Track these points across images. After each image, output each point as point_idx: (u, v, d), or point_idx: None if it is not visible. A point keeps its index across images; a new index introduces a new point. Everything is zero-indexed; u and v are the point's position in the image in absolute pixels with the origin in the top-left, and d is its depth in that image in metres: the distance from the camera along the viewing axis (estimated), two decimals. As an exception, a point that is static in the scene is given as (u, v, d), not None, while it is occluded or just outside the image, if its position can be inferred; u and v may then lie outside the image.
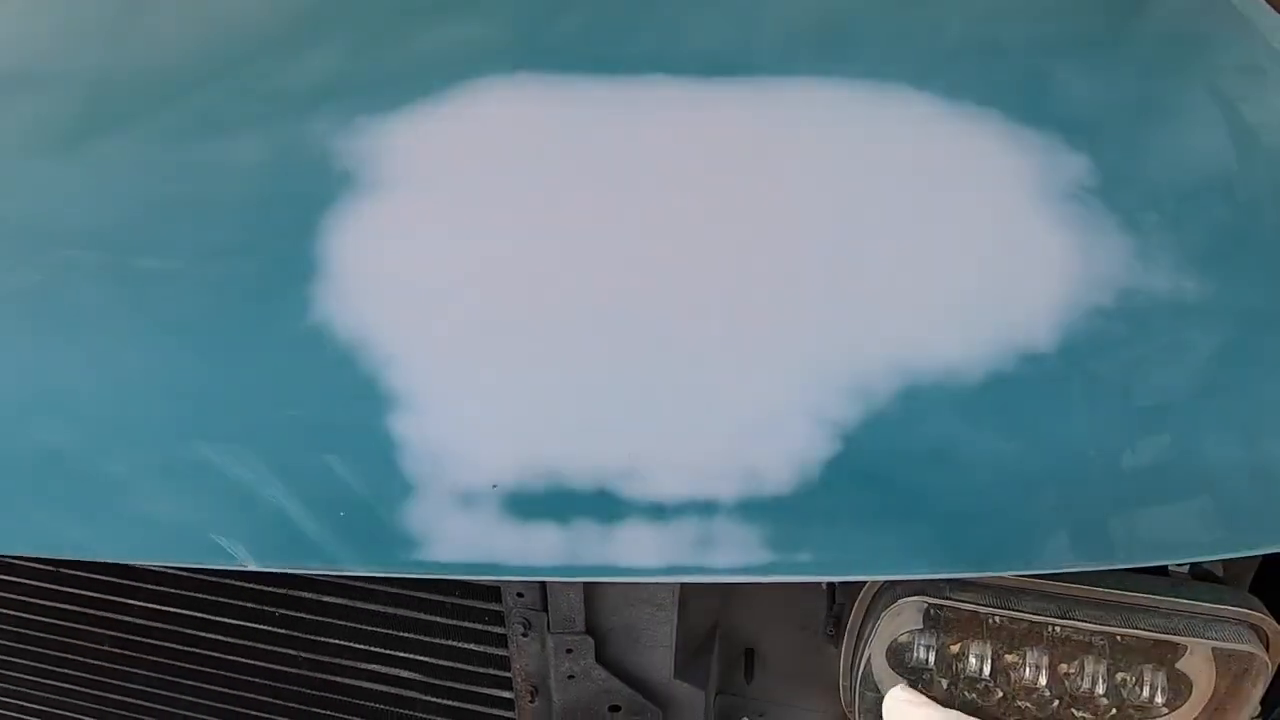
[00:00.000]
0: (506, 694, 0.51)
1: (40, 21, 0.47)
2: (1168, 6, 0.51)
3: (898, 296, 0.35)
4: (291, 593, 0.50)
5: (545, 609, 0.46)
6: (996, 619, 0.41)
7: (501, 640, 0.49)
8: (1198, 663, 0.38)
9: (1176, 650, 0.39)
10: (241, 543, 0.31)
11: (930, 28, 0.47)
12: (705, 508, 0.32)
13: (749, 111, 0.42)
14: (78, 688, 0.59)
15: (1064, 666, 0.41)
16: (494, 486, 0.31)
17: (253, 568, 0.32)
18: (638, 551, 0.32)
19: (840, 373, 0.33)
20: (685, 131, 0.40)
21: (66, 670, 0.58)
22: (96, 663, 0.57)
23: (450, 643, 0.50)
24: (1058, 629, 0.40)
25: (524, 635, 0.48)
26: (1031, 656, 0.42)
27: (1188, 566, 0.38)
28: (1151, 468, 0.32)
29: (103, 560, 0.32)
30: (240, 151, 0.39)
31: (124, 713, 0.59)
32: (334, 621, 0.51)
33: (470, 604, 0.48)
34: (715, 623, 0.52)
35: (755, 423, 0.32)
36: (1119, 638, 0.39)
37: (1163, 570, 0.38)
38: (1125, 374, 0.33)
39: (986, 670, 0.43)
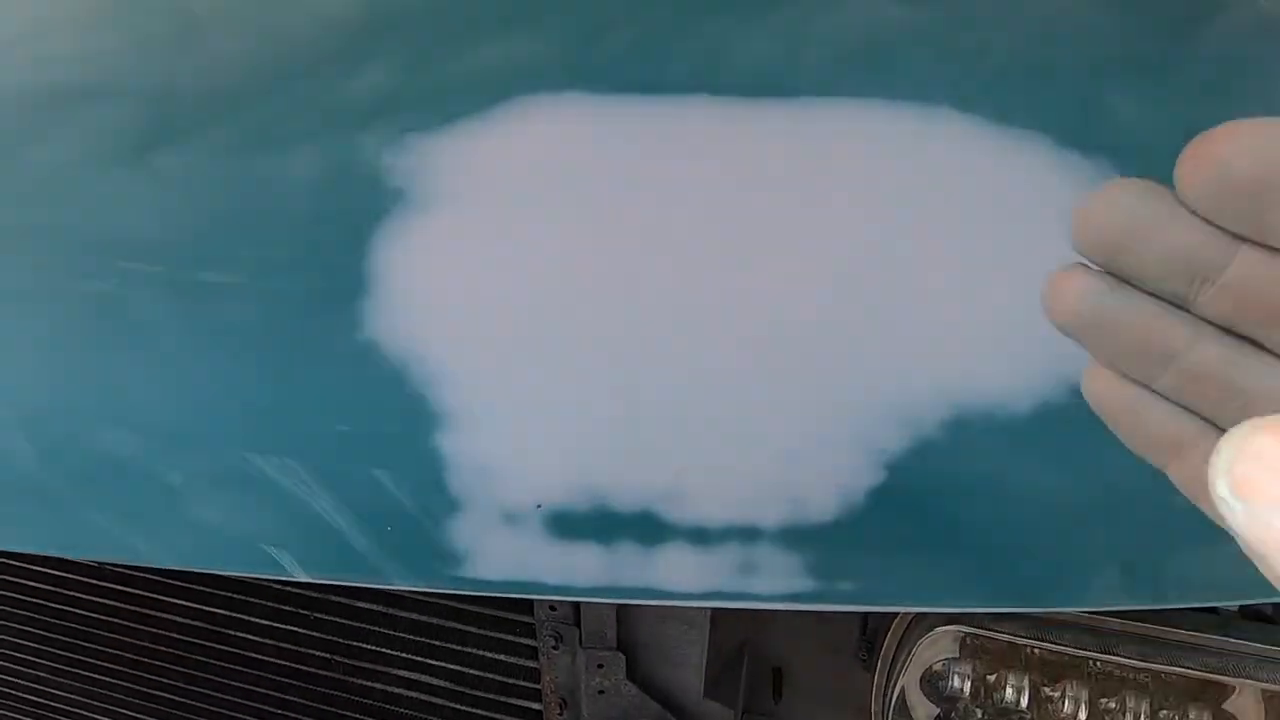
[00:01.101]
0: (535, 705, 0.51)
1: (104, 37, 0.48)
2: (1223, 28, 0.50)
3: (945, 324, 0.34)
4: (325, 597, 0.51)
5: (577, 623, 0.47)
6: (1035, 650, 0.41)
7: (532, 652, 0.49)
8: (1246, 703, 0.37)
9: (1224, 690, 0.38)
10: (291, 554, 0.32)
11: (977, 50, 0.46)
12: (748, 533, 0.32)
13: (792, 134, 0.41)
14: (111, 682, 0.60)
15: (1105, 702, 0.40)
16: (538, 506, 0.32)
17: (301, 578, 0.32)
18: (679, 575, 0.32)
19: (886, 401, 0.33)
20: (730, 152, 0.40)
21: (98, 668, 0.60)
22: (129, 659, 0.58)
23: (481, 652, 0.51)
24: (1099, 664, 0.40)
25: (555, 648, 0.48)
26: (1071, 690, 0.41)
27: (1237, 605, 0.37)
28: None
29: (158, 566, 0.33)
30: (294, 167, 0.39)
31: (157, 707, 0.60)
32: (366, 627, 0.52)
33: (502, 615, 0.49)
34: (744, 641, 0.52)
35: (800, 449, 0.32)
36: (1164, 675, 0.39)
37: (1211, 608, 0.37)
38: (1179, 409, 0.32)
39: (1024, 702, 0.42)
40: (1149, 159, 0.41)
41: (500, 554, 0.32)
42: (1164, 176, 0.44)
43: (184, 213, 0.39)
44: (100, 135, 0.42)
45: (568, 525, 0.32)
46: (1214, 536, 0.32)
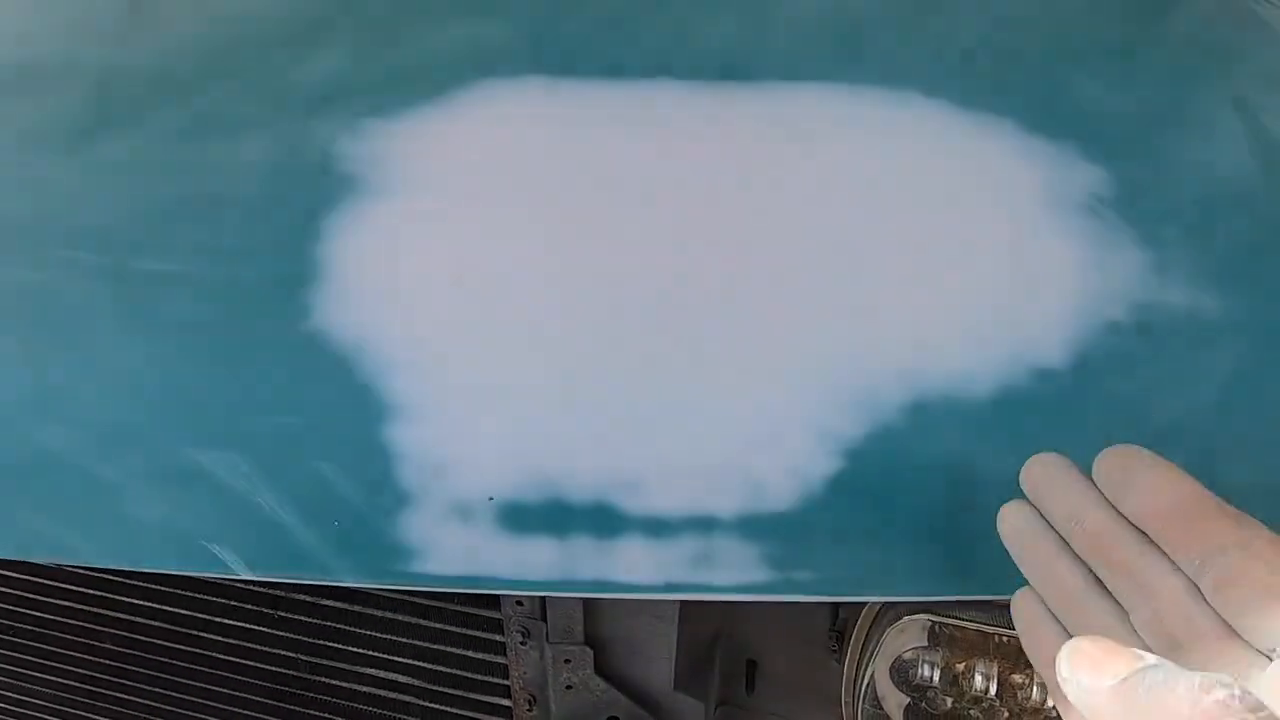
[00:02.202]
0: (504, 702, 0.51)
1: (45, 18, 0.46)
2: (1188, 14, 0.50)
3: (905, 308, 0.34)
4: (289, 596, 0.50)
5: (544, 618, 0.46)
6: (1003, 638, 0.40)
7: (500, 648, 0.49)
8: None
9: (1189, 675, 0.38)
10: (235, 551, 0.31)
11: (944, 34, 0.46)
12: (705, 523, 0.31)
13: (756, 118, 0.41)
14: (73, 683, 0.59)
15: (1072, 688, 0.40)
16: (490, 499, 0.31)
17: (246, 577, 0.31)
18: (636, 567, 0.31)
19: (844, 385, 0.32)
20: (691, 137, 0.40)
21: (61, 670, 0.59)
22: (92, 660, 0.57)
23: (448, 649, 0.50)
24: (1066, 650, 0.39)
25: (522, 644, 0.47)
26: (1038, 676, 0.41)
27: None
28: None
29: (96, 566, 0.32)
30: (243, 153, 0.38)
31: (120, 710, 0.59)
32: (332, 625, 0.51)
33: (469, 611, 0.48)
34: (716, 634, 0.52)
35: (756, 436, 0.31)
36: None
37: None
38: (1140, 392, 0.32)
39: (993, 689, 0.42)
40: (1113, 143, 0.41)
41: (452, 548, 0.31)
42: (1128, 161, 0.44)
43: (127, 200, 0.37)
44: (39, 119, 0.41)
45: (521, 518, 0.31)
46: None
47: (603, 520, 0.31)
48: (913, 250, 0.36)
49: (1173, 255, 0.36)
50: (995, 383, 0.32)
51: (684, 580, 0.31)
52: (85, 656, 0.57)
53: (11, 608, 0.57)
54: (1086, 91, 0.43)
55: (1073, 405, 0.32)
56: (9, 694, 0.62)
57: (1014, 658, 0.41)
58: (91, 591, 0.53)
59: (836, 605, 0.47)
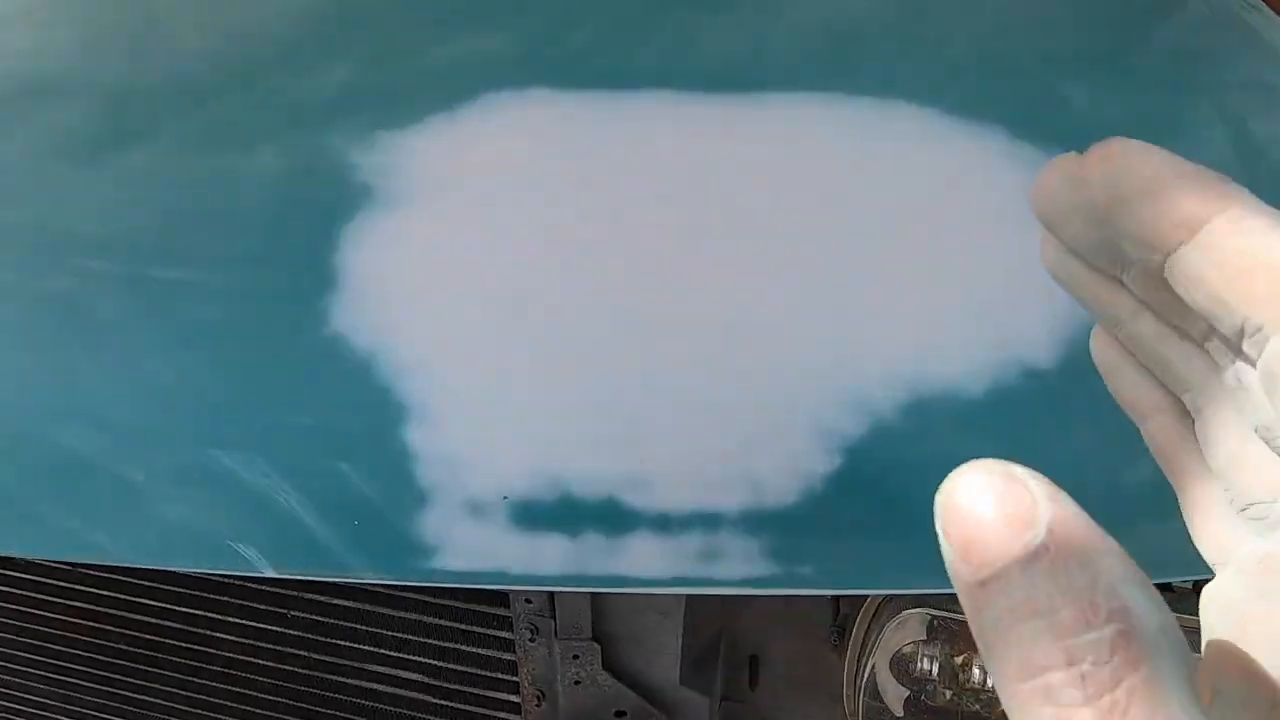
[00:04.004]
0: (513, 698, 0.52)
1: (62, 31, 0.47)
2: (1174, 22, 0.51)
3: (901, 310, 0.35)
4: (300, 594, 0.51)
5: (553, 615, 0.47)
6: (999, 631, 0.41)
7: (509, 645, 0.50)
8: (1201, 678, 0.38)
9: (1180, 664, 0.39)
10: (258, 549, 0.32)
11: (936, 44, 0.47)
12: (710, 519, 0.32)
13: (754, 127, 0.42)
14: (86, 683, 0.60)
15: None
16: (504, 498, 0.32)
17: (269, 574, 0.32)
18: (644, 563, 0.32)
19: (841, 385, 0.33)
20: (692, 147, 0.41)
21: (74, 669, 0.59)
22: (105, 660, 0.58)
23: (457, 646, 0.51)
24: (1061, 642, 0.41)
25: (531, 640, 0.48)
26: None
27: (1191, 581, 0.38)
28: (1154, 484, 0.33)
29: (123, 565, 0.33)
30: (259, 163, 0.39)
31: (132, 709, 0.60)
32: (341, 623, 0.52)
33: (478, 608, 0.49)
34: (720, 629, 0.53)
35: (758, 434, 0.33)
36: (1121, 651, 0.40)
37: (1167, 586, 0.38)
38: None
39: (990, 681, 0.43)
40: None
41: (467, 545, 0.32)
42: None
43: (146, 210, 0.38)
44: (61, 131, 0.42)
45: (533, 515, 0.32)
46: (1169, 513, 0.33)
47: (612, 517, 0.32)
48: (908, 254, 0.37)
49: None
50: (989, 382, 0.33)
51: (691, 574, 0.32)
52: (98, 656, 0.58)
53: (25, 607, 0.58)
54: (1075, 99, 0.44)
55: (1063, 403, 0.33)
56: (22, 692, 0.63)
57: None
58: (104, 592, 0.54)
59: (837, 600, 0.49)
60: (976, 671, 0.44)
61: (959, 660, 0.44)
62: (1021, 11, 0.48)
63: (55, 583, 0.55)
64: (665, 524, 0.32)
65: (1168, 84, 0.46)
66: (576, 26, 0.46)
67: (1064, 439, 0.32)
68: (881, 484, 0.32)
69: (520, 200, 0.38)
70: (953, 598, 0.40)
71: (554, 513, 0.32)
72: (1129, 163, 0.16)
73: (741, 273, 0.36)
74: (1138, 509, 0.33)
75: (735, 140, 0.41)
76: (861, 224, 0.38)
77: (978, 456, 0.31)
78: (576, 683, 0.49)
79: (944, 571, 0.32)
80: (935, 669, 0.44)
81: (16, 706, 0.64)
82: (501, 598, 0.47)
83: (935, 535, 0.32)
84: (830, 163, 0.40)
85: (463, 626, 0.50)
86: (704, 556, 0.32)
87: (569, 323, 0.34)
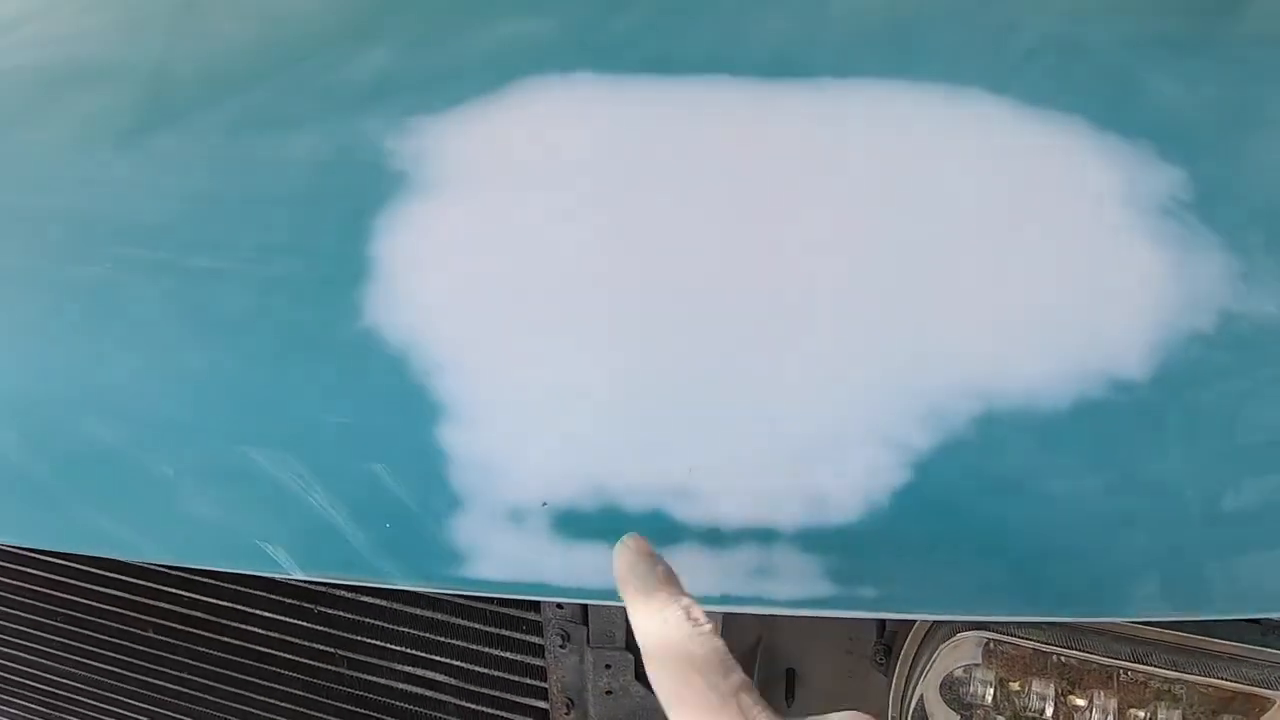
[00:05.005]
0: (541, 704, 0.50)
1: (99, 15, 0.47)
2: (1266, 6, 0.47)
3: (975, 315, 0.33)
4: (329, 591, 0.50)
5: (585, 622, 0.45)
6: (1063, 657, 0.39)
7: (539, 650, 0.48)
8: (1286, 718, 0.35)
9: (1263, 703, 0.36)
10: (287, 551, 0.31)
11: (1007, 27, 0.44)
12: (764, 534, 0.30)
13: (811, 115, 0.40)
14: (114, 671, 0.60)
15: (1135, 712, 0.39)
16: (544, 504, 0.30)
17: (298, 577, 0.31)
18: (691, 577, 0.30)
19: (912, 395, 0.31)
20: (748, 135, 0.38)
21: (103, 655, 0.59)
22: (132, 647, 0.58)
23: (487, 649, 0.49)
24: (1129, 672, 0.38)
25: (562, 647, 0.47)
26: (1099, 700, 0.39)
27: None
28: (1254, 510, 0.30)
29: (148, 561, 0.32)
30: (294, 149, 0.38)
31: (160, 698, 0.60)
32: (370, 621, 0.51)
33: (509, 613, 0.48)
34: (758, 640, 0.51)
35: (820, 446, 0.30)
36: (1199, 686, 0.37)
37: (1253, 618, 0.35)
38: (1227, 406, 0.30)
39: (1049, 710, 0.40)
40: (1192, 143, 0.39)
41: (504, 554, 0.30)
42: (1209, 162, 0.42)
43: (180, 196, 0.37)
44: (96, 117, 0.41)
45: (575, 524, 0.30)
46: (1261, 543, 0.30)
47: (658, 529, 0.30)
48: (981, 255, 0.34)
49: (1259, 261, 0.34)
50: (1072, 394, 0.31)
51: (741, 592, 0.30)
52: (125, 643, 0.58)
53: (56, 593, 0.58)
54: (1162, 87, 0.41)
55: (1156, 419, 0.30)
56: (50, 685, 0.63)
57: (1074, 678, 0.40)
58: (133, 580, 0.54)
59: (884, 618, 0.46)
60: (1034, 698, 0.41)
61: (1015, 686, 0.41)
62: (1098, -7, 0.45)
63: (86, 569, 0.54)
64: (715, 538, 0.30)
65: (1261, 72, 0.42)
66: (625, 8, 0.44)
67: (1156, 458, 0.30)
68: (952, 501, 0.30)
69: (563, 190, 0.36)
70: (1013, 620, 0.37)
71: (596, 522, 0.30)
72: None
73: (799, 270, 0.33)
74: (1236, 536, 0.30)
75: (792, 129, 0.38)
76: (930, 220, 0.35)
77: (1058, 474, 0.28)
78: (608, 692, 0.47)
79: (1020, 597, 0.29)
80: (989, 695, 0.41)
81: (47, 689, 0.64)
82: (532, 603, 0.46)
83: (1004, 558, 0.29)
84: (895, 154, 0.37)
85: (492, 629, 0.48)
86: (756, 573, 0.30)
87: (614, 319, 0.32)
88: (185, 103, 0.41)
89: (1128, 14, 0.44)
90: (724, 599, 0.30)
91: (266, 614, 0.53)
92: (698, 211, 0.35)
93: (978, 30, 0.44)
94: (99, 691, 0.62)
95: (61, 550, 0.32)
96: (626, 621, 0.45)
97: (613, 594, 0.31)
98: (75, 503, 0.31)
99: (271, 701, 0.57)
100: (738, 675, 0.24)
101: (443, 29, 0.44)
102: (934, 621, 0.41)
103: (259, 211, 0.36)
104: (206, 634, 0.55)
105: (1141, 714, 0.39)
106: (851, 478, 0.30)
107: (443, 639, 0.50)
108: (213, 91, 0.42)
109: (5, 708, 0.66)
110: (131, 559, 0.33)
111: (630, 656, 0.46)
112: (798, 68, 0.41)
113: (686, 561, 0.30)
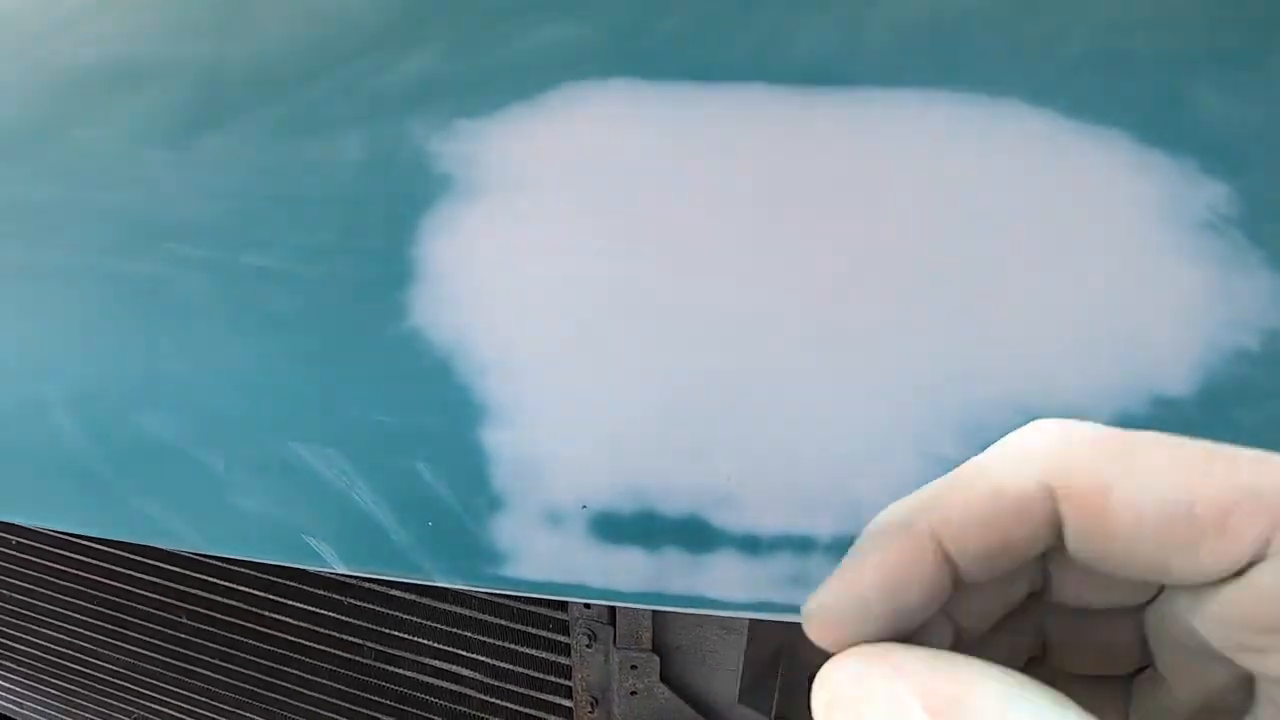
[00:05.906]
0: (566, 702, 0.51)
1: (152, 14, 0.48)
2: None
3: (1015, 329, 0.33)
4: (359, 584, 0.51)
5: (612, 622, 0.46)
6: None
7: (565, 649, 0.49)
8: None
9: None
10: (331, 545, 0.31)
11: (1049, 39, 0.44)
12: (802, 542, 0.30)
13: (851, 126, 0.40)
14: (150, 655, 0.61)
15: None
16: (584, 507, 0.31)
17: (341, 571, 0.32)
18: (727, 584, 0.30)
19: (951, 406, 0.31)
20: (786, 144, 0.39)
21: (140, 640, 0.61)
22: (166, 633, 0.59)
23: (513, 646, 0.50)
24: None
25: (588, 647, 0.47)
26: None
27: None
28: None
29: (197, 552, 0.33)
30: (342, 151, 0.39)
31: (190, 682, 0.61)
32: (399, 615, 0.52)
33: (536, 610, 0.48)
34: (780, 648, 0.51)
35: (858, 456, 0.30)
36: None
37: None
38: (1273, 425, 0.30)
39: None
40: (1237, 157, 0.38)
41: (543, 554, 0.31)
42: (1254, 177, 0.41)
43: (231, 196, 0.38)
44: (148, 116, 0.42)
45: (613, 528, 0.31)
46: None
47: (696, 535, 0.30)
48: (1022, 268, 0.34)
49: (1306, 281, 0.33)
50: (1113, 410, 0.30)
51: (777, 600, 0.30)
52: (160, 628, 0.59)
53: (96, 576, 0.59)
54: (1206, 101, 0.40)
55: (1199, 437, 0.30)
56: (83, 667, 0.65)
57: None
58: (168, 566, 0.55)
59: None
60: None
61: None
62: (1146, 4, 0.45)
63: (126, 554, 0.56)
64: (753, 545, 0.30)
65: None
66: (666, 14, 0.44)
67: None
68: (991, 516, 0.30)
69: (606, 194, 0.37)
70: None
71: (634, 526, 0.31)
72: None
73: (841, 279, 0.34)
74: None
75: (832, 139, 0.38)
76: (972, 233, 0.35)
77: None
78: (633, 693, 0.47)
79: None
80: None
81: (87, 672, 0.66)
82: (560, 601, 0.46)
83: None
84: (935, 165, 0.37)
85: (519, 626, 0.49)
86: (793, 582, 0.30)
87: (656, 324, 0.33)
88: (234, 103, 0.42)
89: (1171, 27, 0.44)
90: (761, 606, 0.31)
91: (297, 604, 0.54)
92: (738, 219, 0.36)
93: (1019, 42, 0.44)
94: (133, 673, 0.63)
95: (114, 538, 0.33)
96: (654, 624, 0.46)
97: (648, 597, 0.31)
98: (129, 492, 0.32)
99: (299, 690, 0.58)
100: None
101: (487, 33, 0.45)
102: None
103: (307, 211, 0.37)
104: (238, 621, 0.56)
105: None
106: (890, 489, 0.30)
107: (470, 634, 0.50)
108: (261, 92, 0.42)
109: (42, 687, 0.68)
110: (180, 549, 0.34)
111: (656, 658, 0.46)
112: (836, 77, 0.41)
113: (723, 568, 0.31)
